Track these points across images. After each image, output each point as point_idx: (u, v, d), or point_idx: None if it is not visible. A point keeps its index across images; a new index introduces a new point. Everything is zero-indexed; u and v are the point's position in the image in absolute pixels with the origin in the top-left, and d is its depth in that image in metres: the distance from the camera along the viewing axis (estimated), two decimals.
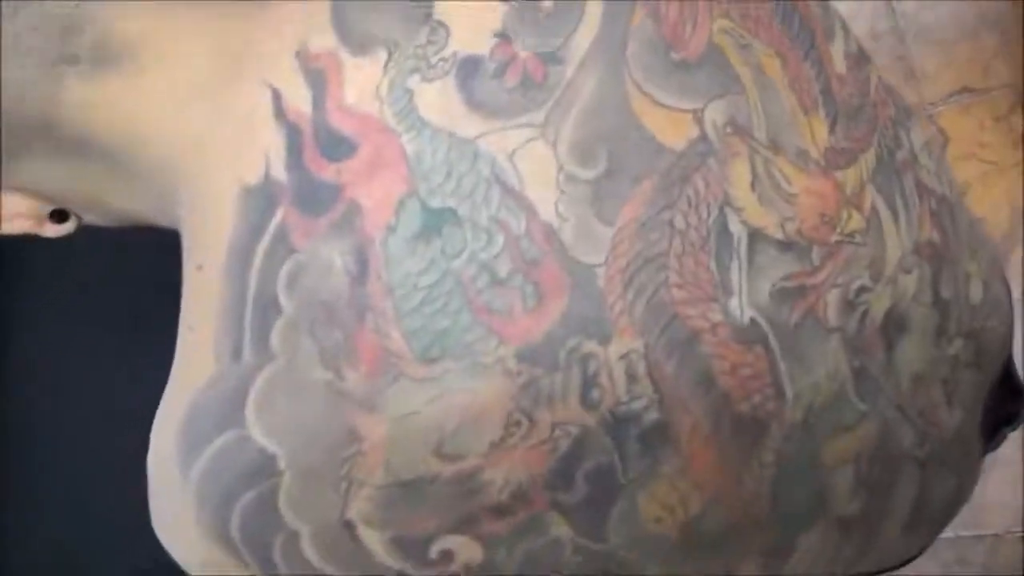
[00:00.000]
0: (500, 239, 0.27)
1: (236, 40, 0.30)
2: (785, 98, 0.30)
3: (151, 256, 0.47)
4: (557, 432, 0.28)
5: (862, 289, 0.32)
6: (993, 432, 0.51)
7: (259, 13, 0.31)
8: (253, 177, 0.28)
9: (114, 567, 0.54)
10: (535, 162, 0.27)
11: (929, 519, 0.39)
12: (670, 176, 0.28)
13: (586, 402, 0.27)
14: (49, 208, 0.35)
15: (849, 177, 0.31)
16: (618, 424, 0.28)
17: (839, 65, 0.32)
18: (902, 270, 0.33)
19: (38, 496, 0.57)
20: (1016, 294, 0.48)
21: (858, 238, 0.31)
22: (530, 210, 0.27)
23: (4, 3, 0.29)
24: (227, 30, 0.30)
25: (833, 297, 0.31)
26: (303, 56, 0.28)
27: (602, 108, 0.28)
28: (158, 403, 0.32)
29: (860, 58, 0.34)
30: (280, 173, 0.28)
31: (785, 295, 0.30)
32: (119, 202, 0.34)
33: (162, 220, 0.34)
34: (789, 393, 0.30)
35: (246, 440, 0.28)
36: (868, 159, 0.32)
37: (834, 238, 0.31)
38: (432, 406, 0.27)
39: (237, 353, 0.28)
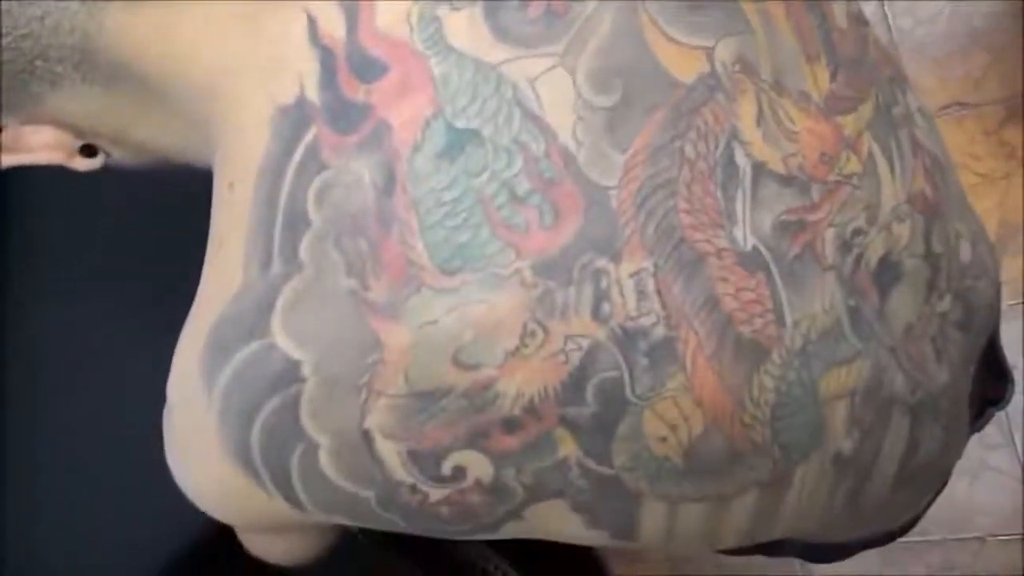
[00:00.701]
0: (520, 160, 0.29)
1: None
2: (790, 43, 0.32)
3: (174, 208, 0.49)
4: (569, 344, 0.29)
5: (857, 231, 0.33)
6: (980, 411, 0.53)
7: None
8: (287, 97, 0.30)
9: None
10: (555, 89, 0.29)
11: (916, 475, 0.40)
12: (681, 108, 0.30)
13: (598, 315, 0.29)
14: (79, 143, 0.36)
15: (848, 122, 0.33)
16: (627, 338, 0.29)
17: (841, 20, 0.34)
18: (896, 217, 0.35)
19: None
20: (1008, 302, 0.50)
21: (855, 180, 0.33)
22: (549, 133, 0.29)
23: None
24: None
25: (830, 235, 0.33)
26: None
27: (619, 41, 0.29)
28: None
29: (860, 19, 0.36)
30: (313, 94, 0.29)
31: (786, 228, 0.31)
32: (148, 134, 0.35)
33: (189, 153, 0.36)
34: (789, 319, 0.32)
35: (272, 348, 0.29)
36: (867, 109, 0.34)
37: (832, 177, 0.32)
38: (451, 315, 0.29)
39: (266, 264, 0.30)
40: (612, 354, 0.29)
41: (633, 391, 0.30)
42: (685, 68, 0.30)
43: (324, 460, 0.31)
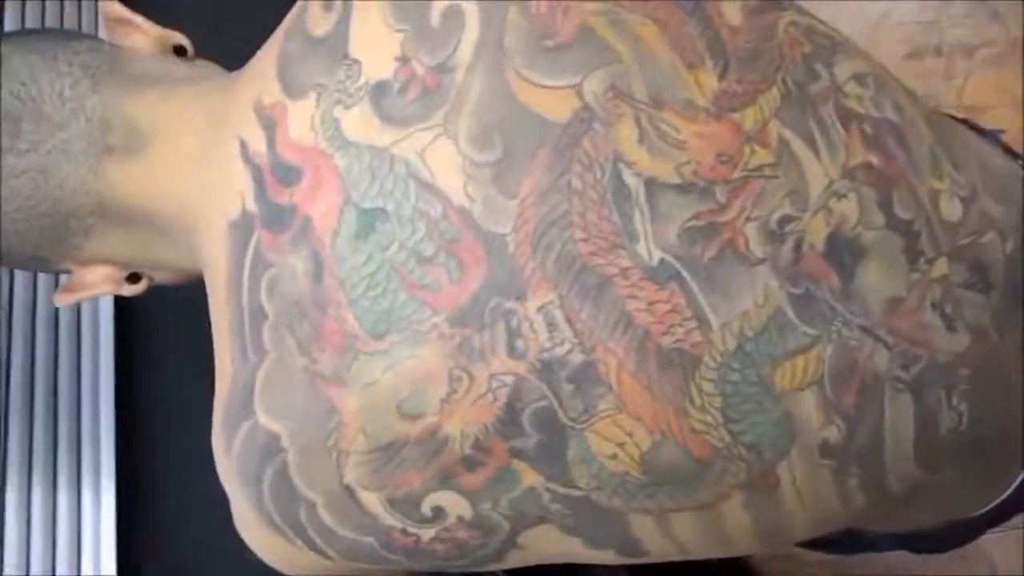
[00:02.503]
0: (422, 226, 0.32)
1: (218, 109, 0.37)
2: (665, 58, 0.33)
3: None
4: (494, 383, 0.31)
5: (785, 219, 0.33)
6: None
7: (232, 83, 0.38)
8: (235, 213, 0.35)
9: None
10: (441, 156, 0.32)
11: (955, 450, 0.38)
12: (560, 146, 0.32)
13: (514, 352, 0.31)
14: (125, 273, 0.44)
15: (748, 116, 0.33)
16: (546, 369, 0.31)
17: (732, 18, 0.34)
18: (833, 195, 0.34)
19: None
20: None
21: (767, 171, 0.33)
22: (443, 197, 0.32)
23: (55, 113, 0.38)
24: (212, 103, 0.38)
25: (752, 230, 0.33)
26: (258, 107, 0.35)
27: (490, 100, 0.32)
28: None
29: (764, 6, 0.36)
30: (252, 205, 0.34)
31: (695, 233, 0.32)
32: (167, 258, 0.42)
33: (194, 271, 0.42)
34: (715, 323, 0.32)
35: (256, 425, 0.34)
36: (770, 96, 0.33)
37: (737, 174, 0.32)
38: (387, 374, 0.32)
39: (244, 355, 0.35)
40: (536, 386, 0.31)
41: (567, 416, 0.32)
42: (557, 108, 0.32)
43: (324, 515, 0.35)
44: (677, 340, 0.31)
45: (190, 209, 0.38)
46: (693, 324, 0.32)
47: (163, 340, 0.74)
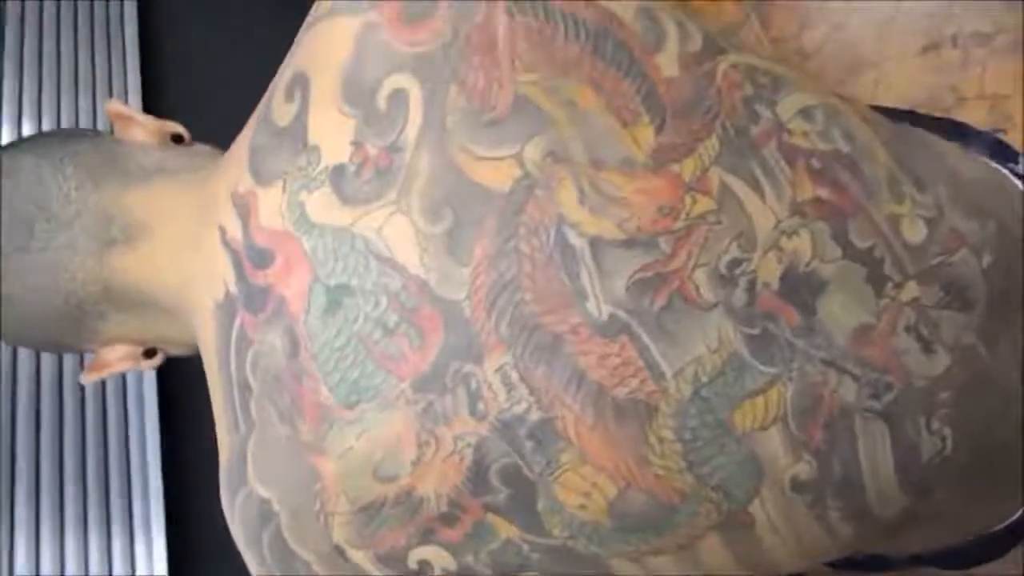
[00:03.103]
0: (384, 298, 0.34)
1: (203, 198, 0.40)
2: (601, 119, 0.34)
3: None
4: (460, 444, 0.33)
5: (735, 262, 0.34)
6: None
7: (212, 175, 0.41)
8: (220, 295, 0.38)
9: None
10: (397, 231, 0.34)
11: (933, 476, 0.37)
12: (506, 213, 0.33)
13: (475, 413, 0.33)
14: (142, 349, 0.47)
15: (687, 167, 0.34)
16: (506, 428, 0.33)
17: (669, 70, 0.35)
18: (783, 233, 0.34)
19: None
20: None
21: (710, 218, 0.34)
22: (401, 269, 0.34)
23: (62, 212, 0.42)
24: (199, 193, 0.41)
25: (702, 276, 0.33)
26: (234, 196, 0.38)
27: (438, 175, 0.34)
28: None
29: (703, 54, 0.36)
30: (233, 288, 0.37)
31: (643, 286, 0.33)
32: (174, 335, 0.45)
33: (195, 348, 0.45)
34: (668, 371, 0.33)
35: (251, 493, 0.37)
36: (709, 144, 0.34)
37: (680, 224, 0.33)
38: (361, 440, 0.34)
39: (235, 427, 0.38)
40: (499, 444, 0.33)
41: (531, 471, 0.33)
42: (500, 178, 0.33)
43: (321, 571, 0.37)
44: (631, 391, 0.32)
45: (184, 292, 0.41)
46: (646, 374, 0.33)
47: (203, 393, 0.79)
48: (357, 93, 0.35)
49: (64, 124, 0.88)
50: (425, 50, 0.35)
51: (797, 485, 0.35)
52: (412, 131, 0.34)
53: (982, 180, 0.43)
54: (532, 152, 0.33)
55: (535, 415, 0.32)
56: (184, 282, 0.41)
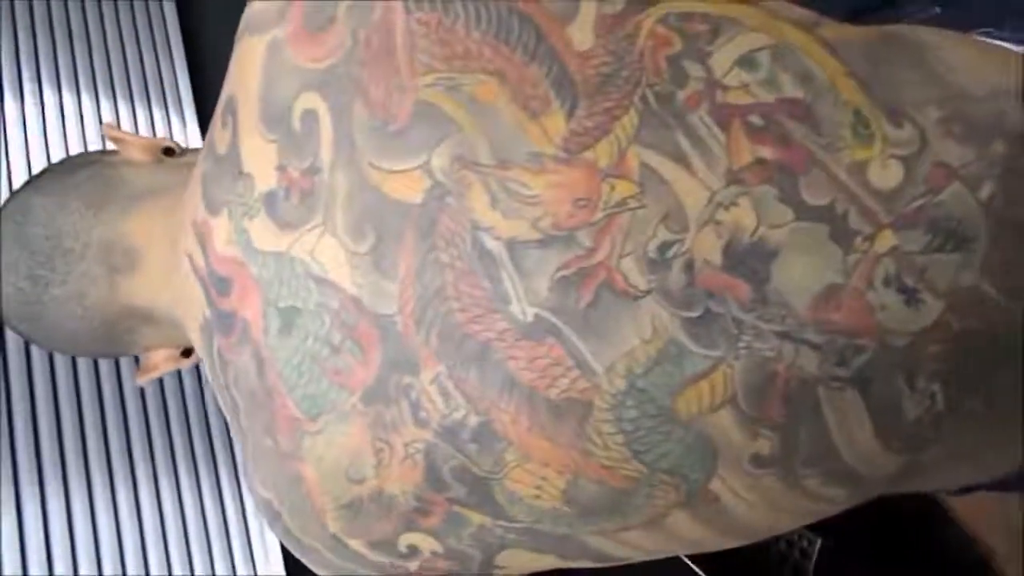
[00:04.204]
0: (327, 317, 0.35)
1: (174, 224, 0.43)
2: (506, 114, 0.32)
3: None
4: (410, 450, 0.34)
5: (665, 244, 0.32)
6: None
7: (181, 204, 0.43)
8: (200, 319, 0.40)
9: None
10: (328, 252, 0.35)
11: (925, 432, 0.35)
12: (421, 225, 0.33)
13: (419, 422, 0.34)
14: (179, 349, 0.52)
15: (602, 152, 0.32)
16: (449, 433, 0.34)
17: (582, 42, 0.33)
18: (720, 207, 0.32)
19: None
20: None
21: (632, 203, 0.32)
22: (337, 288, 0.35)
23: (74, 246, 0.46)
24: (172, 219, 0.44)
25: (629, 265, 0.32)
26: (194, 225, 0.40)
27: (355, 193, 0.34)
28: None
29: (626, 11, 0.33)
30: (208, 312, 0.40)
31: (567, 283, 0.32)
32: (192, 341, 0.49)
33: None
34: (599, 368, 0.32)
35: (258, 494, 0.41)
36: (627, 122, 0.32)
37: (600, 215, 0.32)
38: (330, 449, 0.36)
39: (239, 437, 0.41)
40: (445, 448, 0.34)
41: (481, 470, 0.34)
42: (411, 191, 0.33)
43: (330, 557, 0.41)
44: (563, 391, 0.32)
45: (177, 312, 0.44)
46: (576, 373, 0.32)
47: None
48: (273, 117, 0.36)
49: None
50: (328, 64, 0.34)
51: (759, 460, 0.34)
52: (326, 151, 0.34)
53: (1001, 90, 0.37)
54: (439, 160, 0.33)
55: (473, 420, 0.33)
56: (174, 303, 0.44)
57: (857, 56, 0.35)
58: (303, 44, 0.35)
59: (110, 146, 0.74)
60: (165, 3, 1.00)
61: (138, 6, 0.98)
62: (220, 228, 0.38)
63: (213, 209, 0.38)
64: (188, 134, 1.03)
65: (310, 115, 0.34)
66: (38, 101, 0.91)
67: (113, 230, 0.45)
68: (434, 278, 0.33)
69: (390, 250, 0.34)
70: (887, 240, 0.33)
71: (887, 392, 0.34)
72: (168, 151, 0.49)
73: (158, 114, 1.02)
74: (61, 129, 0.90)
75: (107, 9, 0.97)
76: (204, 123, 1.02)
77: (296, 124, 0.35)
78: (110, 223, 0.45)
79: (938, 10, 0.51)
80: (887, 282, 0.33)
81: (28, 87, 0.91)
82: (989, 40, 0.43)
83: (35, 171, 0.89)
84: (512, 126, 0.32)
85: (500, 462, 0.34)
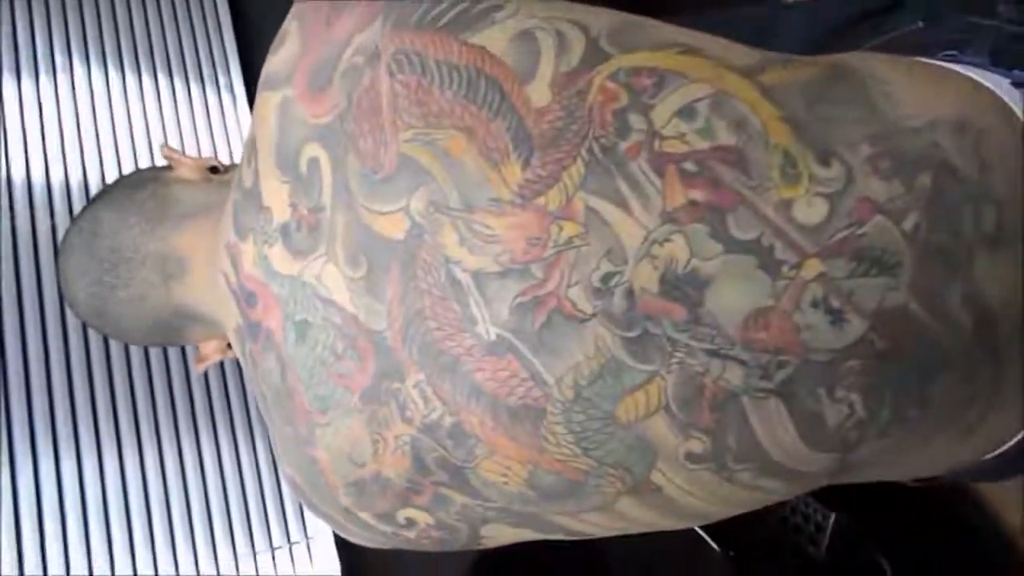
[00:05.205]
0: (332, 331, 0.42)
1: (213, 243, 0.50)
2: (472, 164, 0.38)
3: None
4: (400, 442, 0.41)
5: (607, 276, 0.37)
6: None
7: (217, 224, 0.50)
8: (235, 323, 0.48)
9: None
10: (331, 277, 0.41)
11: (849, 435, 0.39)
12: (404, 258, 0.39)
13: (405, 420, 0.41)
14: (226, 341, 0.60)
15: (552, 198, 0.37)
16: (429, 430, 0.40)
17: (539, 99, 0.38)
18: (655, 243, 0.37)
19: None
20: None
21: (577, 241, 0.37)
22: (339, 308, 0.41)
23: (134, 257, 0.54)
24: (212, 237, 0.51)
25: (577, 293, 0.37)
26: (227, 247, 0.47)
27: (351, 229, 0.40)
28: None
29: (579, 69, 0.38)
30: (240, 320, 0.47)
31: (523, 308, 0.38)
32: None
33: None
34: (550, 379, 0.38)
35: (284, 471, 0.48)
36: (575, 171, 0.37)
37: (549, 252, 0.37)
38: (337, 438, 0.43)
39: (268, 421, 0.49)
40: (427, 441, 0.41)
41: (457, 460, 0.41)
42: (395, 229, 0.39)
43: (346, 524, 0.48)
44: (520, 398, 0.38)
45: (218, 316, 0.52)
46: (531, 383, 0.38)
47: None
48: (285, 162, 0.42)
49: (166, 110, 1.04)
50: (327, 120, 0.40)
51: (693, 457, 0.39)
52: (327, 193, 0.41)
53: (939, 121, 0.40)
54: (416, 204, 0.39)
55: (448, 420, 0.40)
56: (216, 309, 0.51)
57: (795, 98, 0.39)
58: (307, 102, 0.41)
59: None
60: None
61: None
62: (247, 252, 0.45)
63: (241, 235, 0.46)
64: (239, 110, 1.11)
65: (314, 162, 0.41)
66: (90, 77, 1.01)
67: (167, 244, 0.53)
68: (415, 302, 0.39)
69: (379, 277, 0.40)
70: (814, 268, 0.38)
71: (808, 402, 0.38)
72: (214, 169, 0.57)
73: (210, 90, 1.11)
74: (108, 107, 1.00)
75: None
76: (252, 99, 1.12)
77: (303, 169, 0.41)
78: (164, 238, 0.53)
79: (921, 24, 0.53)
80: (815, 304, 0.38)
81: (79, 66, 1.02)
82: (948, 64, 0.46)
83: (85, 149, 0.99)
84: (477, 175, 0.38)
85: (471, 454, 0.40)
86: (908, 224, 0.38)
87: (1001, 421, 0.44)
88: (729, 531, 0.97)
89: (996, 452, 0.47)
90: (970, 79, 0.44)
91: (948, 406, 0.41)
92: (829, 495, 0.95)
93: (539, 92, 0.38)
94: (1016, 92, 0.44)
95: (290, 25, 0.44)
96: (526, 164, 0.38)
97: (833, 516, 0.96)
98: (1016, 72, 0.45)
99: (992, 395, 0.41)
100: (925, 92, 0.42)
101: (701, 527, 0.95)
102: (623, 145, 0.37)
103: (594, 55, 0.39)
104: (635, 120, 0.38)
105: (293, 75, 0.42)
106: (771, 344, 0.38)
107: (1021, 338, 0.41)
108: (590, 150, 0.37)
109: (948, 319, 0.39)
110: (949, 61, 0.47)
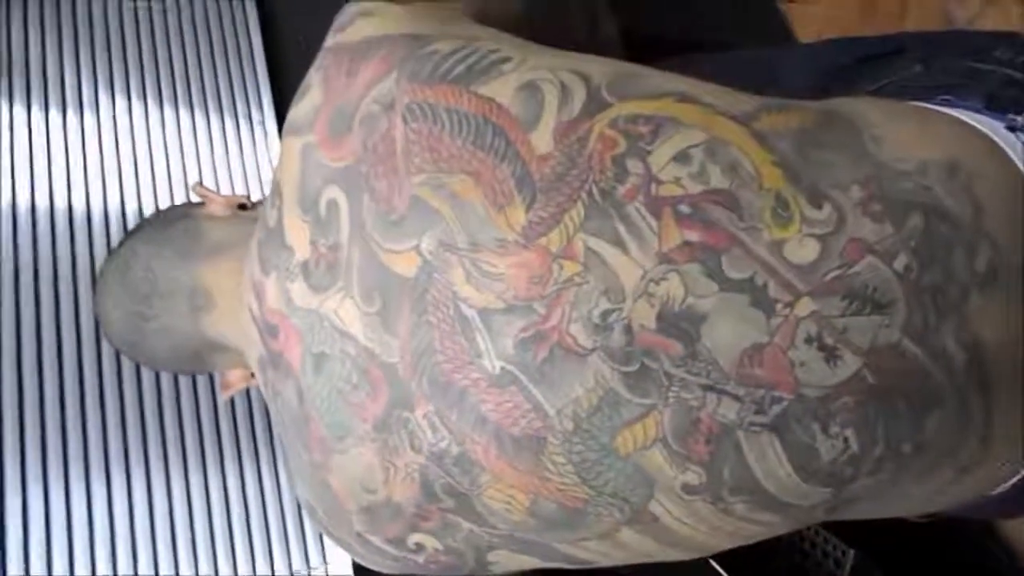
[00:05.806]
0: (348, 362, 0.44)
1: (239, 279, 0.53)
2: (479, 206, 0.40)
3: None
4: (409, 469, 0.43)
5: (606, 312, 0.39)
6: None
7: (244, 259, 0.53)
8: (258, 354, 0.51)
9: None
10: (347, 311, 0.44)
11: (843, 470, 0.40)
12: (415, 294, 0.41)
13: (414, 448, 0.43)
14: (250, 371, 0.63)
15: (554, 239, 0.39)
16: (436, 458, 0.42)
17: (542, 146, 0.40)
18: (652, 282, 0.39)
19: None
20: None
21: (577, 279, 0.39)
22: (355, 340, 0.44)
23: (166, 289, 0.57)
24: (238, 274, 0.54)
25: (577, 329, 0.39)
26: (251, 281, 0.50)
27: (366, 267, 0.43)
28: None
29: (580, 118, 0.41)
30: (262, 350, 0.50)
31: (527, 343, 0.40)
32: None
33: None
34: (551, 411, 0.40)
35: (300, 494, 0.51)
36: (575, 213, 0.39)
37: (551, 289, 0.39)
38: (351, 463, 0.46)
39: (285, 446, 0.51)
40: (435, 469, 0.43)
41: (463, 487, 0.43)
42: (407, 267, 0.42)
43: (358, 546, 0.50)
44: (523, 429, 0.40)
45: (242, 344, 0.54)
46: (533, 415, 0.40)
47: None
48: (307, 202, 0.45)
49: (201, 144, 1.10)
50: (346, 165, 0.43)
51: (689, 489, 0.40)
52: (344, 233, 0.43)
53: (929, 165, 0.42)
54: (427, 244, 0.41)
55: (455, 449, 0.42)
56: (241, 340, 0.54)
57: (788, 144, 0.41)
58: (328, 148, 0.44)
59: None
60: (248, 8, 1.14)
61: (224, 14, 1.12)
62: (270, 287, 0.48)
63: (265, 271, 0.48)
64: (270, 145, 1.15)
65: (333, 204, 0.44)
66: (131, 113, 1.07)
67: (196, 277, 0.56)
68: (425, 336, 0.42)
69: (392, 313, 0.42)
70: (806, 306, 0.39)
71: (802, 437, 0.39)
72: (242, 206, 0.60)
73: (243, 125, 1.15)
74: (147, 141, 1.06)
75: (186, 18, 1.11)
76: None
77: (323, 210, 0.44)
78: (194, 272, 0.56)
79: (919, 68, 0.55)
80: (808, 341, 0.39)
81: (107, 99, 1.07)
82: (943, 108, 0.47)
83: (121, 181, 1.04)
84: (483, 217, 0.40)
85: (476, 482, 0.42)
86: (899, 264, 0.40)
87: (999, 458, 0.44)
88: (746, 565, 0.97)
89: (999, 490, 0.48)
90: (964, 122, 0.46)
91: (942, 442, 0.42)
92: (848, 530, 0.94)
93: (542, 139, 0.40)
94: (1011, 136, 0.46)
95: (312, 78, 0.47)
96: (529, 207, 0.40)
97: (852, 552, 0.96)
98: (1010, 116, 0.46)
99: (986, 432, 0.42)
100: (916, 135, 0.44)
101: (716, 561, 0.95)
102: (621, 189, 0.39)
103: (594, 104, 0.41)
104: (633, 165, 0.40)
105: (315, 123, 0.45)
106: (765, 380, 0.39)
107: (1015, 377, 0.41)
108: (590, 193, 0.39)
109: (941, 357, 0.40)
110: (944, 105, 0.48)
